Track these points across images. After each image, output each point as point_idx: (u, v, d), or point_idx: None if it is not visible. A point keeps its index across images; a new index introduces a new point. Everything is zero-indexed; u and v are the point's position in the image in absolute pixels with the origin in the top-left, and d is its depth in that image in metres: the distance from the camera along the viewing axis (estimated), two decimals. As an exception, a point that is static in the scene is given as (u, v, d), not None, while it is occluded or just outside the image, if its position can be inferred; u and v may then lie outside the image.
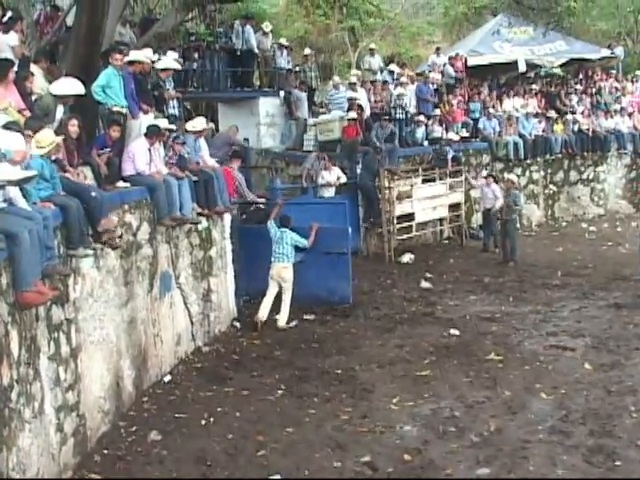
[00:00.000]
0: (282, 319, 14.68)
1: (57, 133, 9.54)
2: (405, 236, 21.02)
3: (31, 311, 7.69)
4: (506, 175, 21.36)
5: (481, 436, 9.61)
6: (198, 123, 14.71)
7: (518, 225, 23.64)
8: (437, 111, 24.24)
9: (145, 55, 13.56)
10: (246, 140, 20.24)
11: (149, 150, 12.05)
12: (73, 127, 10.17)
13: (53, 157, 9.41)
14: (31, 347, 7.76)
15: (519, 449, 9.17)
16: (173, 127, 13.42)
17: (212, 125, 20.58)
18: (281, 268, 14.75)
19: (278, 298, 14.87)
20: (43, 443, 7.88)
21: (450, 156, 22.20)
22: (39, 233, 7.64)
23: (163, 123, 12.87)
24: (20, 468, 7.10)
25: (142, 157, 11.90)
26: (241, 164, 17.32)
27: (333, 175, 20.16)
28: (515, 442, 9.37)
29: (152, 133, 12.09)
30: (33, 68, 12.11)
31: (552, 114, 27.22)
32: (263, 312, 14.62)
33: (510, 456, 8.98)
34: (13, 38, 12.81)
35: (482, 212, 21.49)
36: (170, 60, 15.07)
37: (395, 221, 20.39)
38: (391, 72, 25.84)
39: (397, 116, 23.16)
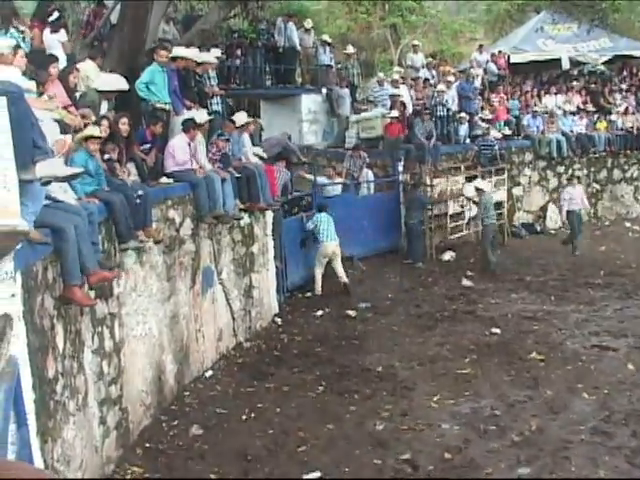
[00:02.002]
0: (344, 276, 16.87)
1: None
2: (455, 236, 21.03)
3: (76, 305, 7.77)
4: (475, 184, 20.82)
5: (522, 435, 9.56)
6: (240, 117, 14.76)
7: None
8: (486, 112, 24.09)
9: (191, 53, 13.62)
10: (288, 137, 20.30)
11: (189, 145, 12.11)
12: (124, 125, 10.29)
13: (106, 157, 9.60)
14: (75, 341, 7.84)
15: (561, 449, 9.10)
16: (212, 117, 13.46)
17: (260, 121, 20.65)
18: (335, 246, 16.60)
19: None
20: (87, 435, 7.96)
21: (498, 150, 22.13)
22: (85, 228, 7.72)
23: (202, 115, 12.89)
24: (64, 459, 7.18)
25: (182, 153, 11.96)
26: (286, 164, 17.62)
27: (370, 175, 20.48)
28: (556, 442, 9.30)
29: (188, 127, 12.14)
30: (90, 64, 12.21)
31: (593, 111, 27.06)
32: (343, 276, 16.89)
33: (551, 456, 8.93)
34: (62, 35, 12.92)
35: (567, 213, 21.08)
36: (207, 54, 15.09)
37: (440, 219, 20.40)
38: (429, 67, 25.78)
39: (438, 113, 23.10)
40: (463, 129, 23.39)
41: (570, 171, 25.82)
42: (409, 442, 9.53)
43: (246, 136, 14.88)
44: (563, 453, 8.96)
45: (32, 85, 8.67)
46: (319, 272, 16.58)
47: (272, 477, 8.80)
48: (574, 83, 28.41)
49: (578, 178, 22.32)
